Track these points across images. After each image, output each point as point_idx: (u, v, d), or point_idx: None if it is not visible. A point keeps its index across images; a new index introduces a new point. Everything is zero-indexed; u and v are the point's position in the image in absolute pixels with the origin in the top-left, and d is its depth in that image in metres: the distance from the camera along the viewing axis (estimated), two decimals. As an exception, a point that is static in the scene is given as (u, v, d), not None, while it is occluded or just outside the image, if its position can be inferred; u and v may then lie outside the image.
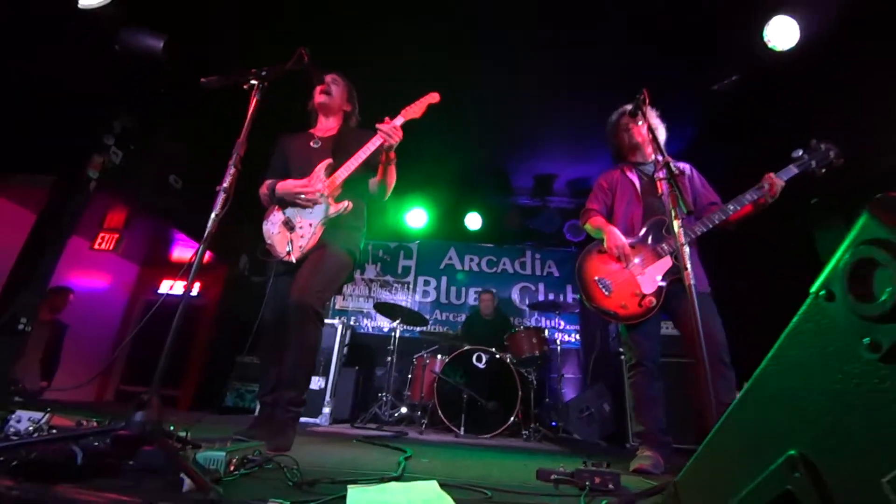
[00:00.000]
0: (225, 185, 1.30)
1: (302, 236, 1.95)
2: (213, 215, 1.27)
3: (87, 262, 5.41)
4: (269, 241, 2.02)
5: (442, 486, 1.17)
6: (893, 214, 0.36)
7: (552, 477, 1.42)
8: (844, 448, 0.41)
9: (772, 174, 2.00)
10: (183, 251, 5.75)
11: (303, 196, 1.97)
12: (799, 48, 2.80)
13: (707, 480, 0.65)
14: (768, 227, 3.20)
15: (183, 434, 1.21)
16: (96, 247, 5.04)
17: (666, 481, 1.12)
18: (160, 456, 1.07)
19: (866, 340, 0.37)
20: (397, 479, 1.24)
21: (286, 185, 2.01)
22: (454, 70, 3.58)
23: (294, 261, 1.93)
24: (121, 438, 1.13)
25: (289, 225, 1.97)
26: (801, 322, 0.45)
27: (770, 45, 2.89)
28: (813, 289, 0.44)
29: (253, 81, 1.52)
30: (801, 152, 1.99)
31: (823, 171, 1.95)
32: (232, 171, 1.33)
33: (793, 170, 1.99)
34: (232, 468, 1.12)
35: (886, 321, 0.36)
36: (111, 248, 5.01)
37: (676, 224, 1.44)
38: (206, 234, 1.25)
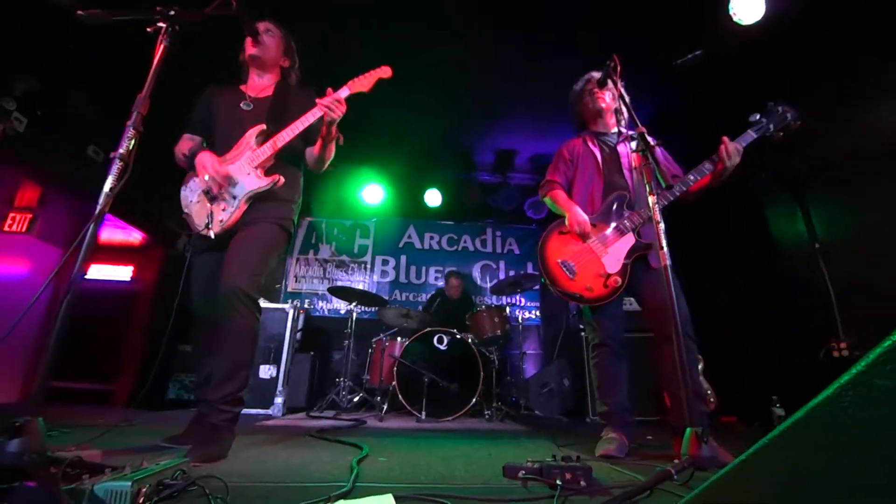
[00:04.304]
0: (121, 150, 1.05)
1: (224, 209, 1.70)
2: (105, 188, 1.01)
3: (-2, 247, 4.77)
4: (185, 210, 1.76)
5: (398, 498, 1.02)
6: None
7: (520, 474, 1.31)
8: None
9: (725, 138, 1.94)
10: (113, 232, 5.19)
11: (209, 180, 1.68)
12: (765, 22, 2.76)
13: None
14: (721, 202, 3.24)
15: (77, 458, 0.99)
16: (7, 229, 4.42)
17: (660, 473, 1.04)
18: (42, 494, 0.85)
19: None
20: (347, 493, 1.08)
21: (203, 161, 1.70)
22: (412, 40, 3.33)
23: (212, 236, 1.68)
24: (-7, 471, 0.90)
25: (209, 195, 1.70)
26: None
27: (736, 19, 2.83)
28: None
29: (160, 24, 1.23)
30: (758, 116, 1.93)
31: (781, 134, 1.90)
32: (131, 133, 1.07)
33: (751, 134, 1.92)
34: (141, 500, 0.92)
35: None
36: (24, 229, 4.42)
37: (651, 200, 1.33)
38: (97, 211, 1.00)
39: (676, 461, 1.15)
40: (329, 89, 1.76)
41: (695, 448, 1.10)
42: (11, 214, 4.50)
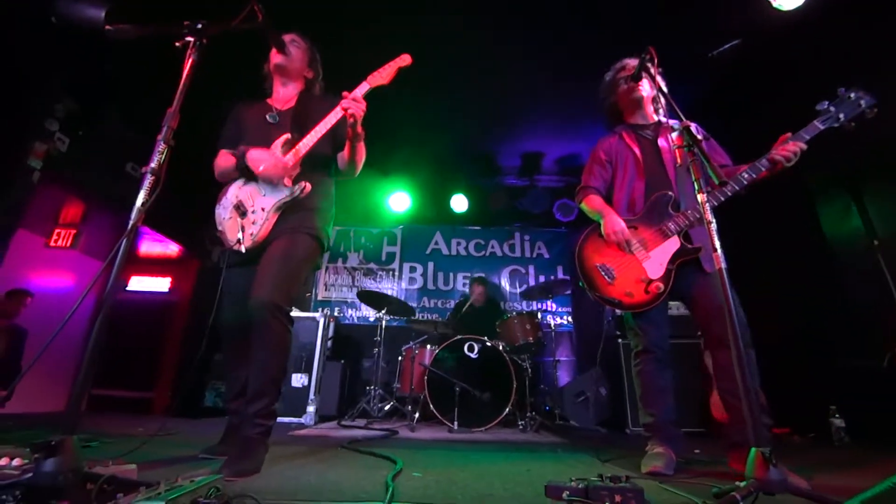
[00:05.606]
0: (153, 165, 1.04)
1: (254, 222, 1.69)
2: (137, 203, 1.01)
3: (45, 262, 5.02)
4: (220, 228, 1.77)
5: (437, 522, 0.97)
6: None
7: (564, 496, 1.22)
8: None
9: (783, 138, 1.78)
10: (151, 245, 5.39)
11: (262, 168, 1.68)
12: (806, 7, 2.59)
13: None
14: (768, 197, 3.05)
15: (112, 477, 0.97)
16: (52, 244, 4.66)
17: (724, 499, 0.94)
18: (76, 515, 0.84)
19: None
20: (383, 515, 1.03)
21: (257, 155, 1.71)
22: (436, 46, 3.30)
23: (244, 250, 1.68)
24: (31, 491, 0.89)
25: (240, 209, 1.70)
26: None
27: (775, 5, 2.68)
28: None
29: (189, 38, 1.24)
30: (826, 104, 1.71)
31: (853, 125, 1.67)
32: (161, 147, 1.06)
33: (817, 126, 1.71)
34: (174, 520, 0.89)
35: None
36: (68, 244, 4.64)
37: (701, 198, 1.23)
38: (129, 226, 0.99)
39: (739, 483, 1.05)
40: (344, 93, 1.72)
41: (762, 471, 1.00)
42: (57, 230, 4.74)
